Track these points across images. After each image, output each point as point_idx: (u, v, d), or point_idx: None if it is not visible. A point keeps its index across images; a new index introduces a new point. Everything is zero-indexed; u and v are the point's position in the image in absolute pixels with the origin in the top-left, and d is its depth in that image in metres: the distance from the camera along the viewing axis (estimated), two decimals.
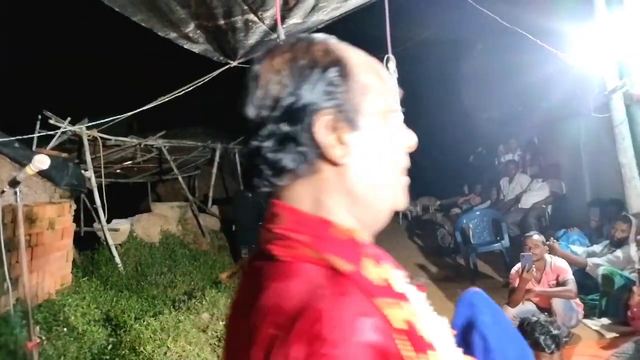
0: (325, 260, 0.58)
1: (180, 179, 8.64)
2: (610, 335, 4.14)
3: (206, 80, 4.62)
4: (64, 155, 5.49)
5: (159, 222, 7.55)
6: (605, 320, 4.40)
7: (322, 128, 0.62)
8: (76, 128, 5.76)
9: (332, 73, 0.64)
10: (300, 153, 0.63)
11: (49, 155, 4.59)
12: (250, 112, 0.64)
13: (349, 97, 0.64)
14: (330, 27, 4.23)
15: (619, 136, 4.89)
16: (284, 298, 0.54)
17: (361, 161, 0.64)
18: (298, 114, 0.62)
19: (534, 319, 2.72)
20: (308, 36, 0.68)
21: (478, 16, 4.41)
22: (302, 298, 0.53)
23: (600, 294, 4.62)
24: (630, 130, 4.87)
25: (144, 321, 4.28)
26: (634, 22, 4.48)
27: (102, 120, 5.47)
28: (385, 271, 0.60)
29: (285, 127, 0.62)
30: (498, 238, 6.52)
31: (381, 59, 3.19)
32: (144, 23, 3.32)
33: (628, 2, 4.54)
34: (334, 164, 0.63)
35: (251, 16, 3.42)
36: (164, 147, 7.86)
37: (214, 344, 4.21)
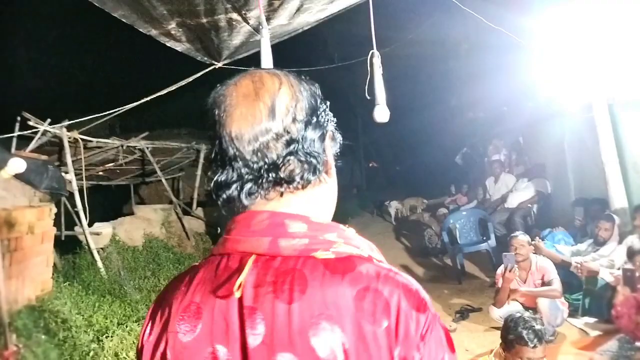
0: (353, 251, 0.71)
1: (163, 181, 8.52)
2: (594, 333, 4.18)
3: (190, 80, 4.55)
4: (44, 157, 5.36)
5: (142, 225, 7.44)
6: (589, 319, 4.45)
7: (329, 147, 0.78)
8: (56, 129, 5.63)
9: (324, 103, 0.79)
10: (316, 168, 0.74)
11: (28, 158, 4.48)
12: (275, 126, 0.73)
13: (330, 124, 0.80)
14: (318, 28, 4.20)
15: (601, 136, 4.95)
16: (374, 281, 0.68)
17: (334, 177, 0.81)
18: (316, 135, 0.75)
19: (518, 314, 2.74)
20: (285, 71, 0.80)
21: (464, 17, 4.43)
22: (390, 279, 0.69)
23: (583, 293, 4.67)
24: (613, 130, 4.94)
25: (127, 327, 4.21)
26: (616, 24, 4.54)
27: (84, 119, 5.36)
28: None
29: (315, 133, 0.75)
30: (484, 238, 6.56)
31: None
32: (125, 19, 3.24)
33: (610, 6, 4.59)
34: (325, 180, 0.78)
35: (235, 15, 3.37)
36: (147, 148, 7.74)
37: None
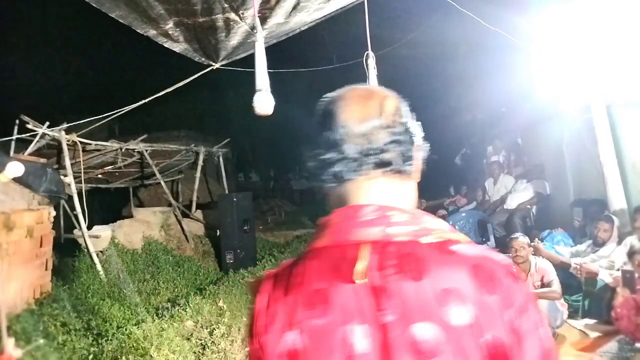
0: (450, 236, 0.82)
1: (162, 183, 8.52)
2: (594, 334, 4.18)
3: (188, 82, 4.55)
4: (43, 160, 5.36)
5: (141, 228, 7.43)
6: (589, 320, 4.44)
7: (418, 153, 0.93)
8: (55, 132, 5.63)
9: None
10: (410, 162, 0.89)
11: (27, 161, 4.47)
12: (382, 120, 0.88)
13: None
14: (316, 29, 4.20)
15: (600, 137, 4.96)
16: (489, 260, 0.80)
17: (418, 179, 0.94)
18: (412, 139, 0.90)
19: None
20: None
21: (462, 18, 4.43)
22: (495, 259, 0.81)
23: (582, 294, 4.67)
24: (611, 131, 4.95)
25: (126, 330, 4.19)
26: (613, 24, 4.55)
27: (82, 121, 5.35)
28: None
29: (408, 146, 0.89)
30: (484, 239, 6.56)
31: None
32: (122, 19, 3.23)
33: (608, 5, 4.60)
34: (413, 177, 0.92)
35: (232, 15, 3.36)
36: (146, 151, 7.74)
37: (198, 352, 4.13)
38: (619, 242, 4.66)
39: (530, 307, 0.78)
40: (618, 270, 4.13)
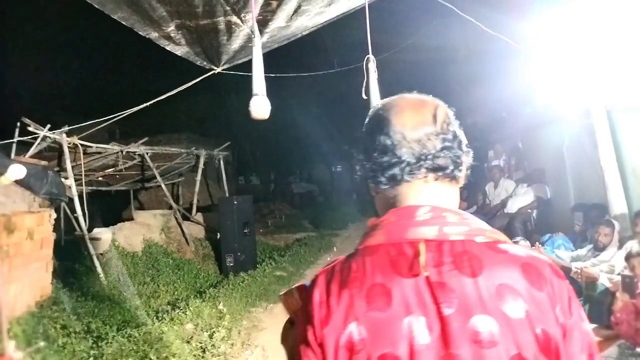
0: (499, 237, 0.90)
1: (163, 186, 8.53)
2: (595, 339, 4.16)
3: (190, 86, 4.56)
4: (44, 163, 5.37)
5: (141, 230, 7.43)
6: (590, 325, 4.43)
7: (465, 161, 0.97)
8: (56, 135, 5.64)
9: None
10: (460, 168, 0.95)
11: (28, 163, 4.48)
12: (435, 128, 0.94)
13: None
14: (317, 33, 4.22)
15: (600, 141, 4.96)
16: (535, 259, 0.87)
17: (462, 184, 0.99)
18: (461, 146, 0.96)
19: None
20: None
21: (462, 23, 4.45)
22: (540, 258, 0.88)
23: (583, 299, 4.66)
24: (612, 136, 4.95)
25: (126, 332, 4.19)
26: (613, 29, 4.56)
27: (83, 124, 5.37)
28: None
29: (458, 152, 0.95)
30: None
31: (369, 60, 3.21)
32: (124, 21, 3.23)
33: (608, 8, 4.62)
34: (460, 182, 0.97)
35: (234, 18, 3.37)
36: (147, 154, 7.76)
37: (198, 355, 4.13)
38: (620, 247, 4.65)
39: (574, 303, 0.86)
40: (618, 274, 4.12)
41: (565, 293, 0.85)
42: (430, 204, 0.91)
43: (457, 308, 0.81)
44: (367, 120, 1.03)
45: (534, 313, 0.81)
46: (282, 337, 1.07)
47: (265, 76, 2.75)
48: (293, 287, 1.04)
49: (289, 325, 1.05)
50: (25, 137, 5.30)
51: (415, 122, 0.93)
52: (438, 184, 0.94)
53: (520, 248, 0.89)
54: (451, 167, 0.93)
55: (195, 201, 9.30)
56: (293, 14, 3.54)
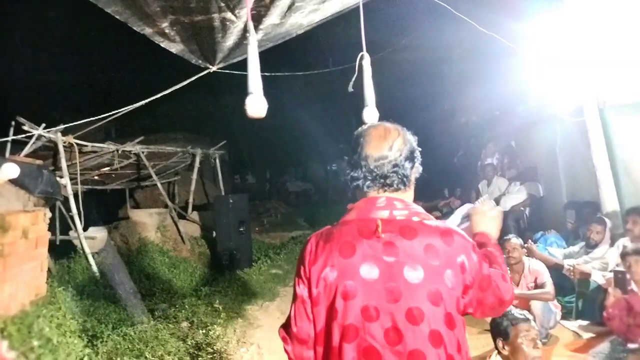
0: (426, 217, 1.38)
1: (159, 185, 8.52)
2: (587, 335, 4.21)
3: (185, 84, 4.55)
4: (38, 162, 5.35)
5: (137, 229, 7.43)
6: (582, 321, 4.48)
7: (414, 174, 1.45)
8: (51, 134, 5.63)
9: (418, 148, 1.48)
10: (405, 183, 1.41)
11: (22, 162, 4.47)
12: (390, 155, 1.39)
13: None
14: (313, 32, 4.22)
15: (593, 139, 5.00)
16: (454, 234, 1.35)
17: (413, 189, 1.47)
18: (412, 164, 1.43)
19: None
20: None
21: (457, 22, 4.48)
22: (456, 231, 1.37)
23: (575, 296, 4.71)
24: (604, 134, 5.00)
25: (121, 331, 4.20)
26: (605, 27, 4.60)
27: (78, 123, 5.34)
28: None
29: (409, 164, 1.42)
30: None
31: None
32: (118, 15, 3.20)
33: (600, 7, 4.66)
34: (408, 189, 1.45)
35: (228, 14, 3.36)
36: (142, 152, 7.74)
37: (194, 352, 4.14)
38: (612, 244, 4.70)
39: (472, 254, 1.34)
40: (611, 271, 4.17)
41: (466, 249, 1.33)
42: (385, 196, 1.40)
43: (397, 258, 1.28)
44: (353, 138, 1.46)
45: (445, 262, 1.29)
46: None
47: (260, 75, 2.75)
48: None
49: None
50: (20, 136, 5.27)
51: (377, 150, 1.39)
52: (389, 193, 1.40)
53: (441, 222, 1.38)
54: (396, 183, 1.39)
55: (191, 200, 9.30)
56: (287, 11, 3.53)
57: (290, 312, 1.38)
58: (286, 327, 1.40)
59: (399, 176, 1.37)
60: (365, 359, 1.23)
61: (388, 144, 1.38)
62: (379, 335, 1.23)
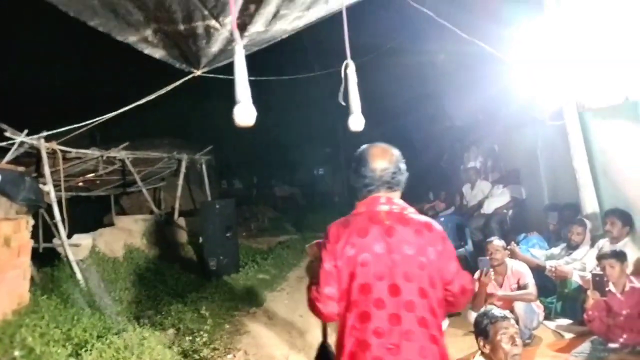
0: (413, 212, 1.94)
1: (144, 191, 8.46)
2: (568, 335, 4.29)
3: (170, 89, 4.54)
4: (21, 168, 5.29)
5: (122, 236, 7.36)
6: (564, 321, 4.56)
7: (403, 179, 1.98)
8: (34, 140, 5.56)
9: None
10: (400, 185, 1.96)
11: (4, 170, 4.42)
12: (391, 166, 1.93)
13: None
14: (298, 35, 4.24)
15: (573, 143, 5.11)
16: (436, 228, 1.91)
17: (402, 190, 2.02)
18: (402, 172, 1.97)
19: (488, 308, 2.82)
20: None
21: (440, 28, 4.54)
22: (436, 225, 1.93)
23: (556, 296, 4.78)
24: (584, 137, 5.10)
25: (106, 339, 4.15)
26: (584, 32, 4.71)
27: (62, 129, 5.28)
28: None
29: (401, 171, 1.96)
30: (462, 243, 6.68)
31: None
32: (101, 27, 3.19)
33: (579, 13, 4.77)
34: (401, 190, 1.98)
35: (212, 22, 3.36)
36: (128, 158, 7.69)
37: None
38: (592, 245, 4.79)
39: (446, 242, 1.87)
40: (590, 272, 4.25)
41: (441, 237, 1.86)
42: (385, 196, 1.91)
43: (396, 239, 1.80)
44: (357, 154, 1.97)
45: (428, 242, 1.81)
46: (307, 268, 2.20)
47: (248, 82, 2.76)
48: (314, 242, 2.11)
49: (311, 263, 2.13)
50: (2, 143, 5.20)
51: (380, 163, 1.91)
52: (390, 191, 1.93)
53: (422, 216, 1.91)
54: (394, 185, 1.92)
55: (177, 206, 9.25)
56: (272, 19, 3.55)
57: (319, 279, 1.81)
58: (317, 288, 1.82)
59: (396, 181, 1.91)
60: (375, 307, 1.73)
61: (388, 159, 1.92)
62: (384, 289, 1.74)
